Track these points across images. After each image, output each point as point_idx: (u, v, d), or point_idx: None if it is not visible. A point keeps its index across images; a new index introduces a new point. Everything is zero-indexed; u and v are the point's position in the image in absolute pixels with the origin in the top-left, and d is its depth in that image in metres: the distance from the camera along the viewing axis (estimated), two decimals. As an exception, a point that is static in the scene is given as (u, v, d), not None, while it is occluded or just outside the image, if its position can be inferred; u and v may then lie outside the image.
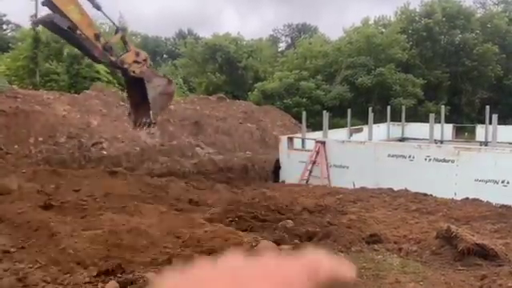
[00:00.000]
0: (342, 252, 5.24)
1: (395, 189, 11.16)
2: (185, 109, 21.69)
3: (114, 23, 10.76)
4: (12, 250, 5.44)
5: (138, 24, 75.31)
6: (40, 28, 31.19)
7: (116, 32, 9.48)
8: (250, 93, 34.65)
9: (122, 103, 19.75)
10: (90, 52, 8.81)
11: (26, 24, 32.45)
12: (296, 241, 5.56)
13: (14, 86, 20.92)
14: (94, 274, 4.52)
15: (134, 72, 8.88)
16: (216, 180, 15.13)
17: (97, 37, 8.49)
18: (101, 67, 30.74)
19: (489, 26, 36.98)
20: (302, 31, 54.84)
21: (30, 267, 4.79)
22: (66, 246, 5.25)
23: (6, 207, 7.27)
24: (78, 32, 8.33)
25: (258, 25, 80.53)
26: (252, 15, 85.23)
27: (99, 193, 8.52)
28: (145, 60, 9.14)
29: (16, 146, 13.97)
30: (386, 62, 34.09)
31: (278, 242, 5.38)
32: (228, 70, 37.18)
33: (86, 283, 4.36)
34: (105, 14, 9.47)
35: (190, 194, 9.73)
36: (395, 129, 23.58)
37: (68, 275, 4.56)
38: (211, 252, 5.30)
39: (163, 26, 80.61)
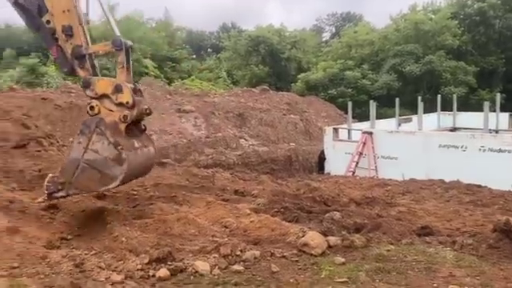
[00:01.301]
0: (392, 244, 5.10)
1: (447, 180, 10.73)
2: (229, 101, 21.92)
3: (112, 26, 6.56)
4: (69, 237, 5.72)
5: (183, 18, 76.70)
6: (91, 25, 32.52)
7: (115, 44, 6.19)
8: (293, 84, 34.44)
9: (170, 96, 20.25)
10: (49, 48, 6.59)
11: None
12: (344, 232, 5.46)
13: (67, 82, 21.97)
14: (146, 261, 4.65)
15: (94, 115, 5.98)
16: (260, 171, 15.22)
17: (65, 30, 6.20)
18: (149, 62, 31.68)
19: (550, 6, 34.57)
20: (346, 20, 53.70)
21: (86, 254, 5.01)
22: (119, 234, 5.44)
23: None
24: (46, 18, 6.30)
25: (302, 15, 79.68)
26: (296, 6, 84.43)
27: (149, 183, 8.77)
28: (125, 106, 5.93)
29: (71, 139, 14.67)
30: (435, 49, 32.77)
31: (325, 234, 5.30)
32: (271, 61, 37.11)
33: (138, 270, 4.50)
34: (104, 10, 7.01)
35: (235, 185, 9.80)
36: (446, 118, 22.65)
37: (121, 262, 4.72)
38: (258, 241, 5.33)
39: (208, 20, 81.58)
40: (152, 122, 17.21)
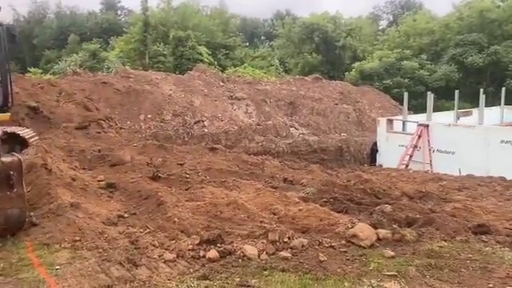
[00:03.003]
0: (445, 241, 4.94)
1: (508, 178, 10.17)
2: (280, 89, 21.87)
3: None
4: (126, 215, 6.04)
5: (238, 6, 76.85)
6: (150, 12, 33.53)
7: None
8: (347, 73, 33.68)
9: (222, 83, 20.53)
10: None
11: (138, 9, 34.95)
12: (394, 226, 5.34)
13: (126, 67, 22.85)
14: (197, 242, 4.81)
15: None
16: (309, 160, 15.14)
17: None
18: (203, 49, 32.21)
19: None
20: (405, 8, 51.54)
21: (141, 232, 5.27)
22: (172, 214, 5.66)
23: (120, 176, 8.05)
24: None
25: (359, 3, 77.30)
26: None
27: (201, 167, 9.03)
28: None
29: (128, 122, 15.33)
30: (502, 39, 30.74)
31: (375, 226, 5.21)
32: (325, 49, 36.45)
33: (189, 250, 4.67)
34: None
35: (284, 173, 9.85)
36: (510, 113, 21.31)
37: (173, 241, 4.92)
38: (306, 230, 5.35)
39: (262, 8, 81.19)
40: (205, 109, 17.58)
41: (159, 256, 4.52)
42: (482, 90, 18.14)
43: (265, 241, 4.74)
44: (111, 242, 4.86)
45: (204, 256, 4.52)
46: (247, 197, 6.76)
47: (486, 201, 7.92)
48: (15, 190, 4.88)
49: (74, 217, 5.35)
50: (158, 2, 37.51)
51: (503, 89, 21.53)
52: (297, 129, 19.18)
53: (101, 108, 14.89)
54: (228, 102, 18.90)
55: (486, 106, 18.49)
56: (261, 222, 5.46)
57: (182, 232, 5.19)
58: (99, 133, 12.75)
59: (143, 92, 16.50)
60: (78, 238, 4.86)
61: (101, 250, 4.61)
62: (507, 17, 31.34)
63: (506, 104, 21.34)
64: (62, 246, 4.70)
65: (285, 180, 9.09)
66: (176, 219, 5.51)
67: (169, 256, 4.49)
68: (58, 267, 4.20)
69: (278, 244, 4.69)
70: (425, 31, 34.70)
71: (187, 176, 8.18)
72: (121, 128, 14.69)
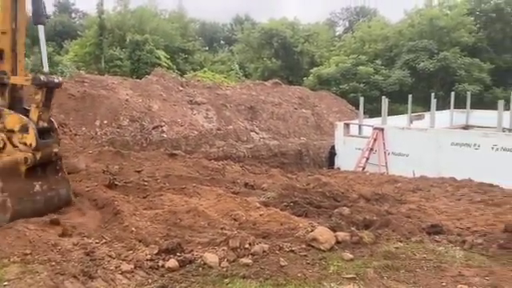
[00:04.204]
0: (401, 242, 5.09)
1: (458, 178, 10.64)
2: (240, 94, 21.89)
3: (42, 59, 6.24)
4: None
5: (197, 10, 76.46)
6: (105, 15, 32.71)
7: (34, 82, 5.73)
8: (305, 78, 34.25)
9: (182, 88, 20.30)
10: None
11: (93, 12, 34.04)
12: (353, 228, 5.45)
13: (81, 72, 22.14)
14: (155, 251, 4.70)
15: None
16: (270, 165, 15.22)
17: None
18: (162, 53, 31.76)
19: None
20: (360, 14, 53.08)
21: (97, 242, 5.08)
22: (129, 223, 5.51)
23: (74, 185, 7.74)
24: None
25: (316, 9, 78.94)
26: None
27: (160, 174, 8.85)
28: (29, 147, 5.66)
29: (83, 128, 14.82)
30: (450, 45, 32.30)
31: (334, 229, 5.30)
32: (284, 55, 36.91)
33: (147, 260, 4.55)
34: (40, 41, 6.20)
35: (245, 178, 9.85)
36: (459, 116, 22.38)
37: (131, 252, 4.78)
38: (267, 235, 5.36)
39: (221, 12, 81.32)
40: (163, 114, 17.30)
41: (116, 267, 4.37)
42: (433, 95, 18.92)
43: (226, 248, 4.70)
44: (65, 255, 4.66)
45: (163, 266, 4.42)
46: (208, 203, 6.69)
47: (439, 201, 8.25)
48: (60, 174, 6.23)
49: (25, 229, 5.09)
50: (114, 5, 36.72)
51: (452, 93, 22.57)
52: (257, 133, 19.25)
53: (54, 114, 14.30)
54: (188, 107, 18.70)
55: (437, 109, 19.31)
56: (221, 228, 5.41)
57: (140, 241, 5.06)
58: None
59: (99, 97, 16.02)
60: (28, 252, 4.62)
61: (53, 263, 4.40)
62: (455, 25, 32.97)
63: (455, 107, 22.37)
64: (11, 260, 4.45)
65: (246, 185, 9.09)
66: (133, 228, 5.36)
67: (126, 267, 4.36)
68: (6, 283, 3.97)
69: (238, 251, 4.66)
70: (379, 37, 35.88)
71: (145, 183, 8.00)
72: (75, 134, 14.19)
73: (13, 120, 5.78)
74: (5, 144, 5.75)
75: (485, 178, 10.14)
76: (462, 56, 31.69)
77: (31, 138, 5.66)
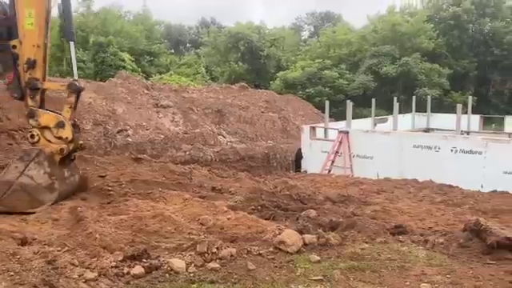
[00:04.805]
0: (366, 243, 5.19)
1: (420, 180, 10.96)
2: (207, 97, 21.80)
3: (73, 69, 7.60)
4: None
5: (162, 12, 75.63)
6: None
7: (71, 88, 6.93)
8: (272, 82, 34.52)
9: (147, 91, 19.99)
10: (4, 70, 6.98)
11: (54, 13, 33.00)
12: (319, 230, 5.51)
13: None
14: (120, 258, 4.58)
15: (34, 142, 6.86)
16: (238, 168, 15.20)
17: (29, 63, 6.68)
18: (126, 56, 31.19)
19: (521, 13, 35.74)
20: (325, 20, 54.09)
21: (59, 250, 4.90)
22: (93, 230, 5.34)
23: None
24: (14, 43, 6.73)
25: (282, 14, 79.79)
26: (276, 4, 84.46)
27: (124, 179, 8.64)
28: (64, 140, 6.85)
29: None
30: (411, 51, 33.41)
31: (301, 231, 5.34)
32: (250, 58, 37.07)
33: (112, 267, 4.43)
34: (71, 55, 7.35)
35: (212, 182, 9.77)
36: (420, 119, 23.14)
37: (95, 259, 4.64)
38: (235, 239, 5.33)
39: (187, 15, 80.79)
40: (128, 117, 16.98)
41: (79, 276, 4.22)
42: (395, 99, 19.48)
43: (193, 253, 4.65)
44: (24, 264, 4.45)
45: (128, 273, 4.31)
46: (174, 208, 6.59)
47: (402, 202, 8.45)
48: (74, 162, 7.49)
49: (-19, 238, 4.86)
50: (76, 6, 35.74)
51: (414, 97, 23.31)
52: (224, 137, 19.21)
53: (13, 118, 13.75)
54: (153, 110, 18.43)
55: (400, 113, 19.90)
56: (189, 233, 5.35)
57: (105, 248, 4.92)
58: (11, 144, 11.78)
59: (60, 100, 15.52)
60: (-16, 262, 4.40)
61: (12, 273, 4.20)
62: (415, 31, 34.15)
63: (416, 111, 23.11)
64: (-35, 271, 4.23)
65: (213, 189, 9.02)
66: (97, 235, 5.21)
67: (90, 275, 4.22)
68: (-40, 296, 3.77)
69: (206, 255, 4.61)
70: (343, 42, 36.68)
71: (109, 188, 7.79)
72: (35, 139, 13.67)
73: (49, 118, 6.91)
74: (39, 139, 6.83)
75: (445, 179, 10.52)
76: (422, 61, 32.87)
77: (68, 132, 6.89)
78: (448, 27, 35.63)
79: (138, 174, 9.43)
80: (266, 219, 6.21)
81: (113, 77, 21.78)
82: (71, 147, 6.93)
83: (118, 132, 15.80)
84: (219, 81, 36.09)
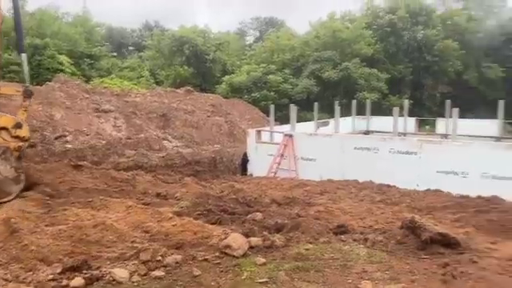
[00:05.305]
0: (310, 243, 5.32)
1: (360, 180, 11.41)
2: (151, 101, 21.35)
3: (25, 78, 8.74)
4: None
5: (103, 14, 73.10)
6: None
7: (26, 94, 8.20)
8: (218, 86, 34.47)
9: (87, 95, 19.24)
10: None
11: None
12: (265, 233, 5.57)
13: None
14: (59, 270, 4.38)
15: None
16: (184, 173, 15.01)
17: None
18: (65, 58, 29.81)
19: (449, 22, 38.23)
20: (269, 25, 54.87)
21: (-10, 265, 4.60)
22: (29, 242, 5.06)
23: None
24: None
25: (227, 18, 80.00)
26: (221, 8, 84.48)
27: (64, 187, 8.28)
28: (21, 139, 7.95)
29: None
30: (351, 56, 34.66)
31: (247, 235, 5.37)
32: (196, 62, 36.79)
33: (49, 280, 4.22)
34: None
35: (157, 188, 9.60)
36: (360, 122, 24.06)
37: (30, 273, 4.40)
38: (180, 246, 5.26)
39: (129, 17, 78.72)
40: (67, 123, 16.24)
41: (13, 291, 3.99)
42: (336, 102, 20.11)
43: (136, 262, 4.53)
44: (-50, 282, 4.15)
45: (67, 285, 4.13)
46: (117, 216, 6.40)
47: (344, 202, 8.75)
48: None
49: None
50: (9, 6, 33.62)
51: (354, 101, 24.20)
52: (170, 141, 18.89)
53: None
54: (94, 115, 17.76)
55: (341, 116, 20.55)
56: (132, 242, 5.21)
57: (41, 261, 4.67)
58: None
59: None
60: None
61: None
62: (355, 37, 35.50)
63: (356, 114, 24.01)
64: None
65: (158, 195, 8.86)
66: (33, 247, 4.94)
67: (25, 290, 4.00)
68: None
69: (150, 264, 4.52)
70: (287, 48, 37.37)
71: (47, 198, 7.43)
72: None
73: (7, 120, 7.83)
74: None
75: (384, 179, 11.02)
76: (362, 66, 34.20)
77: (25, 131, 7.94)
78: (385, 34, 37.38)
79: (78, 181, 9.07)
80: (212, 224, 6.19)
81: (50, 81, 20.74)
82: (27, 145, 8.06)
83: (56, 138, 15.05)
84: (164, 85, 35.47)
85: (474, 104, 33.99)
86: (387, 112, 24.69)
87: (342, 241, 5.47)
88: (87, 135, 16.19)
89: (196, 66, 36.80)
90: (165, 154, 16.82)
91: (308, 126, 19.59)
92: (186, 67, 36.64)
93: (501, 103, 19.17)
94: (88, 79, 29.93)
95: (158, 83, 37.09)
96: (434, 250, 4.99)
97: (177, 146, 18.22)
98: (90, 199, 7.48)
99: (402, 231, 5.50)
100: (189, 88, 26.45)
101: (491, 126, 19.72)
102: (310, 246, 5.21)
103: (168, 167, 15.69)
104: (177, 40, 36.75)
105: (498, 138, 18.68)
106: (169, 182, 10.95)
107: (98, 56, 36.92)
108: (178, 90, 25.44)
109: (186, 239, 5.36)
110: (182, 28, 39.36)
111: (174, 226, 5.82)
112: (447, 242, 5.07)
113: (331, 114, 21.64)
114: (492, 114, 20.62)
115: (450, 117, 17.61)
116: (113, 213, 6.65)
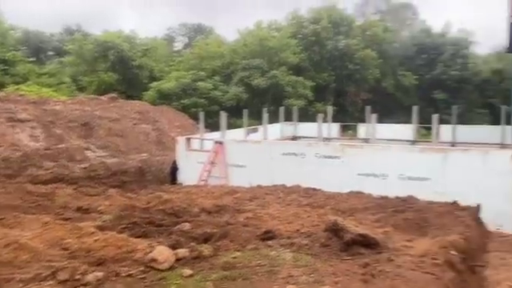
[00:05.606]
0: (238, 251, 5.32)
1: (289, 185, 11.66)
2: (73, 110, 20.27)
3: None
4: None
5: (18, 17, 68.12)
6: None
7: None
8: (145, 93, 33.60)
9: (0, 103, 17.81)
10: None
11: None
12: (193, 244, 5.49)
13: None
14: (-37, 298, 3.98)
15: None
16: (109, 185, 14.40)
17: None
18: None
19: (368, 33, 40.65)
20: (198, 31, 54.62)
21: None
22: None
23: None
24: None
25: (154, 24, 78.34)
26: (148, 13, 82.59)
27: (-30, 205, 7.57)
28: None
29: None
30: (278, 64, 35.56)
31: (174, 247, 5.25)
32: (121, 68, 35.59)
33: (-49, 310, 3.82)
34: None
35: (79, 201, 9.09)
36: (288, 128, 24.70)
37: None
38: (102, 262, 5.02)
39: (48, 21, 74.17)
40: (-24, 133, 14.90)
41: None
42: (265, 109, 20.50)
43: (53, 282, 4.24)
44: None
45: (-28, 314, 3.76)
46: (32, 234, 5.94)
47: (272, 207, 8.88)
48: None
49: None
50: None
51: (281, 108, 24.81)
52: (94, 151, 18.02)
53: None
54: (7, 125, 16.47)
55: (269, 122, 20.96)
56: (48, 260, 4.86)
57: None
58: None
59: None
60: None
61: None
62: (281, 46, 36.49)
63: (284, 121, 24.62)
64: None
65: (79, 209, 8.39)
66: None
67: None
68: None
69: (69, 283, 4.25)
70: (216, 55, 37.47)
71: (-50, 217, 6.74)
72: None
73: None
74: None
75: (310, 183, 11.37)
76: (288, 74, 35.21)
77: None
78: (309, 43, 38.85)
79: (-12, 198, 8.34)
80: (137, 237, 5.97)
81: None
82: None
83: (-38, 151, 13.75)
84: (87, 91, 33.86)
85: (392, 110, 36.44)
86: (313, 118, 25.58)
87: (269, 246, 5.53)
88: (0, 146, 14.97)
89: (122, 72, 35.59)
90: (87, 165, 16.01)
91: (238, 133, 19.73)
92: (110, 73, 35.29)
93: (415, 109, 20.68)
94: (1, 86, 27.76)
95: (80, 90, 35.34)
96: (355, 250, 5.22)
97: (101, 156, 17.43)
98: (2, 216, 6.90)
99: (326, 234, 5.69)
100: (113, 95, 25.48)
101: (407, 130, 21.18)
102: (238, 253, 5.21)
103: (91, 179, 14.95)
104: (100, 45, 35.34)
105: (412, 142, 20.10)
106: (92, 195, 10.42)
107: (12, 61, 34.38)
108: (101, 97, 24.41)
109: (108, 255, 5.12)
110: (106, 33, 37.94)
111: (95, 241, 5.54)
112: (367, 243, 5.33)
113: (260, 121, 21.97)
114: (407, 119, 22.19)
115: (371, 122, 18.68)
116: (28, 230, 6.18)
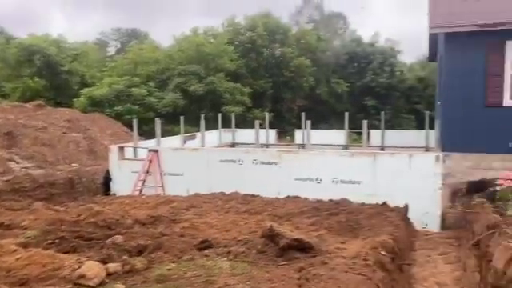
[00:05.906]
0: (173, 262, 5.18)
1: (227, 192, 11.61)
2: (-6, 118, 18.82)
3: None
4: None
5: None
6: None
7: None
8: (75, 99, 32.03)
9: None
10: None
11: None
12: (125, 257, 5.26)
13: None
14: None
15: None
16: (35, 197, 13.51)
17: None
18: None
19: (302, 41, 41.83)
20: (132, 36, 53.16)
21: None
22: None
23: None
24: None
25: (85, 28, 75.05)
26: (78, 17, 79.05)
27: None
28: None
29: None
30: (216, 71, 35.50)
31: (105, 261, 5.01)
32: (48, 74, 33.68)
33: None
34: None
35: (0, 217, 8.42)
36: (226, 135, 24.68)
37: None
38: (25, 281, 4.67)
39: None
40: None
41: None
42: (202, 116, 20.33)
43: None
44: None
45: None
46: None
47: (210, 216, 8.78)
48: None
49: None
50: None
51: (219, 114, 24.77)
52: (18, 162, 16.81)
53: None
54: None
55: (207, 129, 20.81)
56: (-40, 285, 4.44)
57: None
58: None
59: None
60: None
61: None
62: (218, 52, 36.49)
63: (222, 127, 24.58)
64: None
65: (0, 225, 7.77)
66: None
67: None
68: None
69: (-16, 308, 3.89)
70: (151, 60, 36.63)
71: None
72: None
73: None
74: None
75: (248, 189, 11.39)
76: (226, 81, 35.26)
77: None
78: (246, 50, 39.22)
79: None
80: (65, 253, 5.63)
81: None
82: None
83: None
84: (11, 98, 31.66)
85: (326, 116, 37.76)
86: (251, 124, 25.78)
87: (206, 256, 5.45)
88: None
89: (49, 78, 33.70)
90: (11, 177, 14.89)
91: (175, 140, 19.37)
92: (36, 79, 33.27)
93: (346, 115, 21.54)
94: None
95: (3, 97, 32.97)
96: (291, 255, 5.29)
97: (26, 168, 16.30)
98: None
99: (263, 240, 5.71)
100: (40, 102, 24.03)
101: (339, 136, 21.99)
102: (173, 265, 5.08)
103: (15, 192, 13.93)
104: (25, 49, 33.27)
105: (345, 146, 20.89)
106: (15, 209, 9.71)
107: None
108: (26, 105, 22.92)
109: (32, 274, 4.77)
110: (32, 36, 35.78)
111: (17, 259, 5.14)
112: (302, 247, 5.42)
113: (198, 128, 21.77)
114: (341, 125, 23.06)
115: (306, 128, 19.17)
116: None
